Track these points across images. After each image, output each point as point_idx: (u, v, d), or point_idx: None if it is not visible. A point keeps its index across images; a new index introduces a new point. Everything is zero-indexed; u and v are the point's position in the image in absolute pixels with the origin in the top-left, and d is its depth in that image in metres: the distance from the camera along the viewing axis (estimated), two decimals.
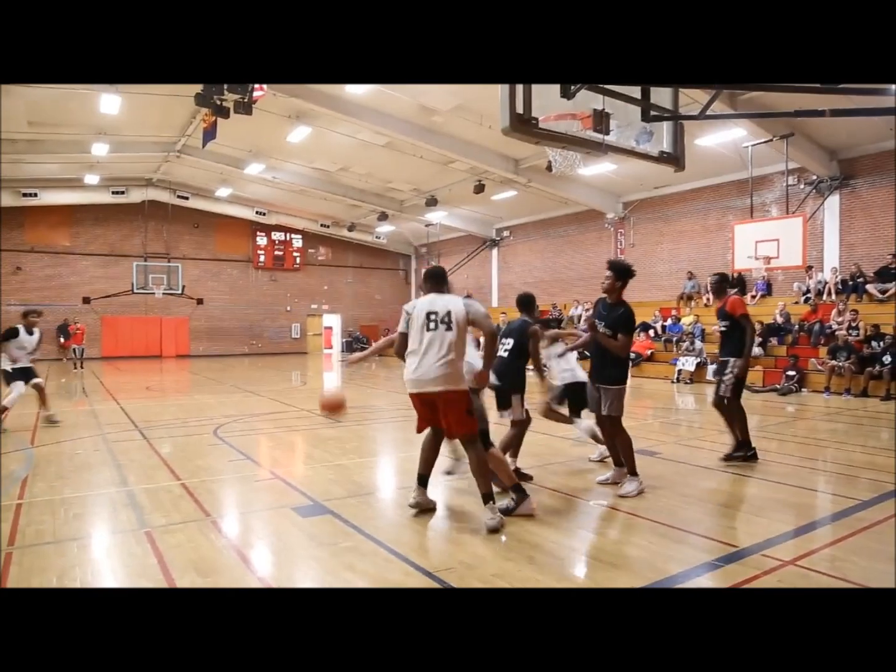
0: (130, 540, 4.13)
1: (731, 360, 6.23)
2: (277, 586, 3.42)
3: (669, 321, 17.73)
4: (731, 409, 6.34)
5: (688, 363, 15.19)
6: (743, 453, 6.19)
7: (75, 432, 8.27)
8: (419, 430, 4.62)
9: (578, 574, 3.68)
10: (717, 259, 17.93)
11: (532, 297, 5.85)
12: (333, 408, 5.51)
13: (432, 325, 4.29)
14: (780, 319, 15.24)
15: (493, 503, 4.27)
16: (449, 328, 4.29)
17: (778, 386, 12.98)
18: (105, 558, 3.94)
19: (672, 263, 19.97)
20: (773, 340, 14.95)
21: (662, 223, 20.26)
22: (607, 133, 5.90)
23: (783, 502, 4.95)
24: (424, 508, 4.63)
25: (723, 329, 6.40)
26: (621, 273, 5.24)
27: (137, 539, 4.12)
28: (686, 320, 17.32)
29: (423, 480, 4.63)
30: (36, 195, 22.71)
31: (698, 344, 15.51)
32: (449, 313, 4.32)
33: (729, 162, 16.43)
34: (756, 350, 14.42)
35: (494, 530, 4.16)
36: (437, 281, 4.57)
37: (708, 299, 16.75)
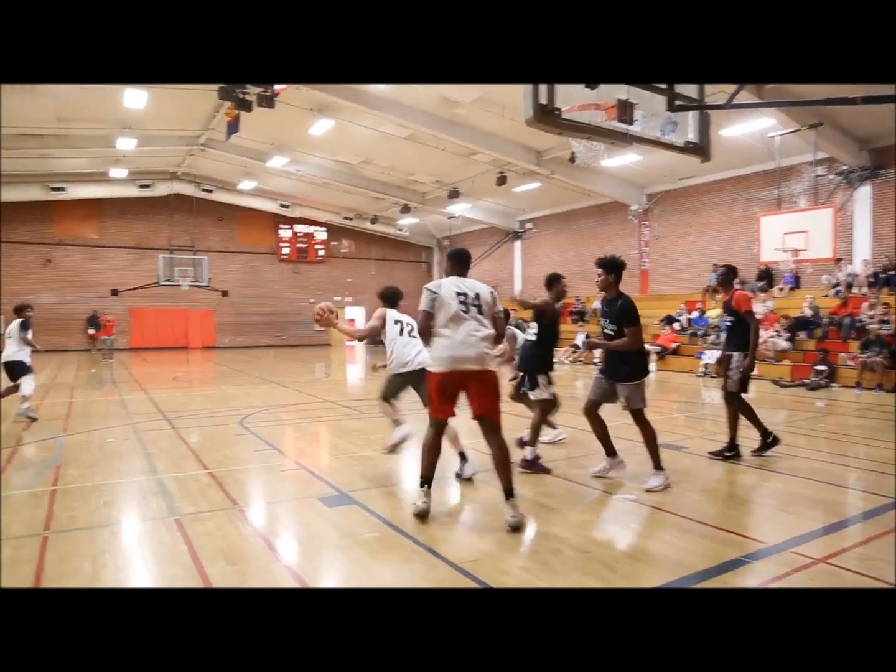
0: (160, 527, 4.20)
1: (736, 354, 6.17)
2: (304, 575, 3.45)
3: (695, 314, 17.54)
4: (736, 405, 6.28)
5: (713, 357, 14.98)
6: (733, 454, 6.14)
7: (106, 421, 8.43)
8: (444, 416, 4.38)
9: (604, 569, 3.66)
10: (744, 251, 17.66)
11: (556, 276, 6.01)
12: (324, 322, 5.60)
13: (463, 307, 4.25)
14: (808, 313, 14.98)
15: (515, 499, 4.20)
16: (480, 311, 4.29)
17: (807, 381, 12.78)
18: (136, 545, 4.01)
19: (697, 256, 19.72)
20: (802, 334, 14.70)
21: (688, 215, 20.01)
22: (631, 123, 5.85)
23: (812, 499, 4.88)
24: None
25: (728, 324, 6.33)
26: (610, 267, 5.22)
27: (167, 526, 4.20)
28: (711, 313, 17.09)
29: (429, 481, 4.41)
30: (64, 189, 23.04)
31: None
32: (478, 296, 4.32)
33: (755, 152, 16.16)
34: (784, 344, 14.22)
35: (516, 528, 4.10)
36: (461, 263, 4.54)
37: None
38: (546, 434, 6.54)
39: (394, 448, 5.77)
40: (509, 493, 4.20)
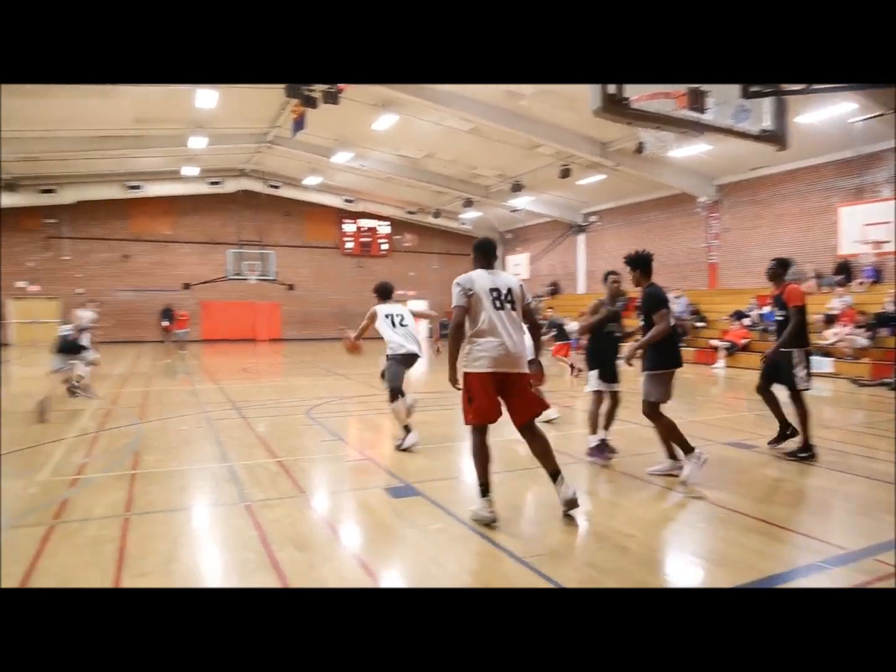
0: (232, 513, 4.35)
1: (795, 351, 5.93)
2: (369, 564, 3.51)
3: (766, 309, 16.87)
4: (762, 393, 6.26)
5: None
6: (808, 454, 5.88)
7: (179, 410, 8.78)
8: (485, 421, 4.09)
9: (672, 568, 3.59)
10: (819, 244, 16.88)
11: (606, 274, 6.10)
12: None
13: (498, 303, 4.09)
14: (891, 308, 14.20)
15: (562, 476, 4.14)
16: (514, 307, 4.16)
17: (889, 380, 12.12)
18: (209, 529, 4.18)
19: (769, 249, 18.89)
20: (884, 331, 13.95)
21: (761, 206, 19.24)
22: (703, 112, 5.66)
23: (892, 504, 4.63)
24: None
25: (780, 318, 6.08)
26: (634, 263, 5.32)
27: (238, 512, 4.34)
28: None
29: (489, 488, 4.10)
30: (140, 187, 24.14)
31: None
32: (510, 290, 4.17)
33: (832, 140, 15.35)
34: (863, 341, 13.56)
35: (572, 502, 4.09)
36: (488, 256, 4.32)
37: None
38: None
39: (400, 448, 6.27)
40: (555, 475, 4.14)
